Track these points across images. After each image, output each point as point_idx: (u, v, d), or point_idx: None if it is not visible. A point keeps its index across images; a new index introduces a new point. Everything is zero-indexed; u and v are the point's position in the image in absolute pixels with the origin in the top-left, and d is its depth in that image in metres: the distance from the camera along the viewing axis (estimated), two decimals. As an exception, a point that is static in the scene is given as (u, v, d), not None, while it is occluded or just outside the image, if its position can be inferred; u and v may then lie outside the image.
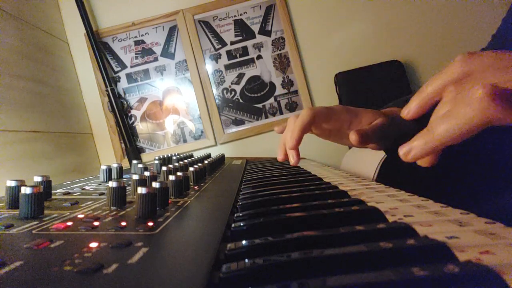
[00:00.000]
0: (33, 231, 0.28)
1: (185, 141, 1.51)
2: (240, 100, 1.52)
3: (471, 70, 0.27)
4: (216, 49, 1.52)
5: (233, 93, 1.52)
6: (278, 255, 0.22)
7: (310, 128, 0.49)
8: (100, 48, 1.46)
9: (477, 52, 0.28)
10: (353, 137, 0.41)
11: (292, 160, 0.48)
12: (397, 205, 0.35)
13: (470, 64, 0.27)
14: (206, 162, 0.70)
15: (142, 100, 1.52)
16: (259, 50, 1.52)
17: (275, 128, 0.56)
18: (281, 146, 0.50)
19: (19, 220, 0.31)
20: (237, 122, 1.51)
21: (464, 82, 0.28)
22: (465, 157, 0.51)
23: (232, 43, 1.52)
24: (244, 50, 1.52)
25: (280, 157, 0.50)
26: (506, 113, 0.23)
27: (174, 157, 0.86)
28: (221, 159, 0.95)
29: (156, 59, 1.52)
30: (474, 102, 0.24)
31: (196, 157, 0.85)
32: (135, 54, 1.52)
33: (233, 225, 0.32)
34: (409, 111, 0.34)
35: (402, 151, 0.30)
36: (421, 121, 0.49)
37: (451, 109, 0.27)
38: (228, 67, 1.52)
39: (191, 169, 0.56)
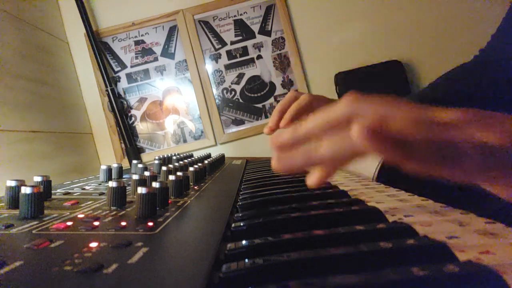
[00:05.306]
0: (33, 231, 0.27)
1: (185, 141, 1.51)
2: (240, 100, 1.52)
3: (354, 112, 0.27)
4: (216, 49, 1.52)
5: (233, 93, 1.52)
6: (278, 255, 0.22)
7: (305, 111, 0.50)
8: (100, 48, 1.46)
9: (362, 97, 0.28)
10: None
11: (270, 123, 0.51)
12: (397, 205, 0.35)
13: (354, 106, 0.27)
14: (206, 162, 0.70)
15: (142, 100, 1.52)
16: (259, 50, 1.52)
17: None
18: (271, 118, 0.52)
19: (19, 220, 0.31)
20: (237, 122, 1.51)
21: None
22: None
23: (232, 43, 1.52)
24: (244, 50, 1.52)
25: (266, 130, 0.52)
26: (378, 147, 0.23)
27: (174, 157, 0.86)
28: (221, 159, 0.95)
29: (156, 59, 1.52)
30: (352, 133, 0.24)
31: (196, 157, 0.85)
32: (135, 54, 1.52)
33: (233, 225, 0.32)
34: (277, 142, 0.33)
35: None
36: None
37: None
38: (228, 67, 1.52)
39: (191, 169, 0.56)
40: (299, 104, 0.49)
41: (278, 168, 0.30)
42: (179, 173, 0.45)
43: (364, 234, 0.26)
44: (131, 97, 1.52)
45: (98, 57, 1.41)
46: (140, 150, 1.50)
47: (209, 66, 1.52)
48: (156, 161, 0.77)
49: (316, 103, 0.50)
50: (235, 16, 1.52)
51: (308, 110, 0.50)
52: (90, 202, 0.40)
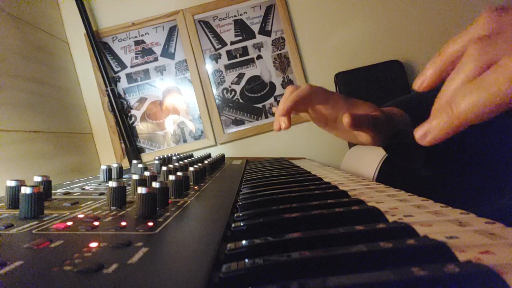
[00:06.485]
0: (33, 231, 0.27)
1: (185, 141, 1.51)
2: (240, 100, 1.52)
3: (502, 28, 0.22)
4: (216, 49, 1.52)
5: (233, 93, 1.52)
6: (278, 255, 0.22)
7: (304, 102, 0.50)
8: (100, 48, 1.46)
9: (508, 7, 0.22)
10: (345, 119, 0.40)
11: (283, 124, 0.49)
12: (397, 205, 0.35)
13: (500, 21, 0.22)
14: (206, 162, 0.70)
15: (142, 100, 1.52)
16: (259, 50, 1.52)
17: (273, 109, 0.57)
18: (276, 116, 0.52)
19: (19, 220, 0.31)
20: (237, 122, 1.51)
21: (493, 42, 0.22)
22: (465, 157, 0.51)
23: (232, 43, 1.52)
24: (244, 50, 1.52)
25: (275, 127, 0.52)
26: None
27: (174, 157, 0.86)
28: (221, 159, 0.95)
29: (156, 59, 1.52)
30: (508, 70, 0.19)
31: (196, 157, 0.85)
32: (135, 54, 1.52)
33: (233, 225, 0.32)
34: (424, 80, 0.27)
35: (418, 134, 0.25)
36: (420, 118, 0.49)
37: (479, 77, 0.21)
38: (228, 67, 1.52)
39: (191, 169, 0.56)
40: (299, 93, 0.48)
41: (427, 137, 0.24)
42: (179, 173, 0.45)
43: (364, 234, 0.26)
44: (131, 97, 1.52)
45: (98, 57, 1.41)
46: (140, 150, 1.50)
47: (209, 66, 1.52)
48: (156, 161, 0.77)
49: (315, 95, 0.50)
50: (235, 16, 1.52)
51: (307, 101, 0.50)
52: (90, 202, 0.40)
